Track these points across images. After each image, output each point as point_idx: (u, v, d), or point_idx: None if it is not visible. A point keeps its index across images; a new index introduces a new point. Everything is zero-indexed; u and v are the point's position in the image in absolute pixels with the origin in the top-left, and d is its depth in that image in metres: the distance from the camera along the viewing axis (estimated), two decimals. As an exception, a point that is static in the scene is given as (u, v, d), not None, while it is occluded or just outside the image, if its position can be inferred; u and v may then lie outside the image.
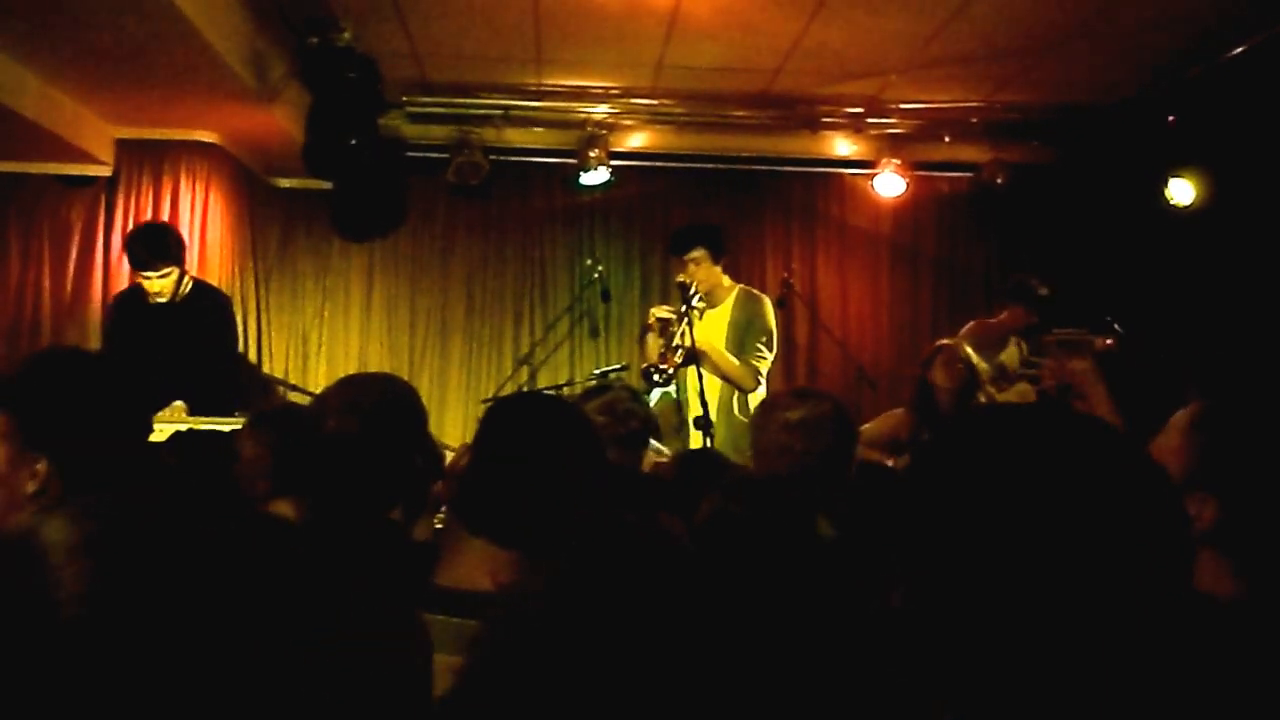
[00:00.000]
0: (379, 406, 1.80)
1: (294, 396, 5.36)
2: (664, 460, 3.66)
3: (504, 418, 1.51)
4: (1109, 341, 5.12)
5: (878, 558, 1.49)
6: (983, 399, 4.11)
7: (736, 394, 4.39)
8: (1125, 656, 0.72)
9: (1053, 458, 0.76)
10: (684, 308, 4.29)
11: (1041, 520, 0.74)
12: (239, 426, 2.83)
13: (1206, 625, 1.13)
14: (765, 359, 4.42)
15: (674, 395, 4.40)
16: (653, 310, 4.46)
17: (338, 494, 1.79)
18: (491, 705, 0.81)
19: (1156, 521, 0.75)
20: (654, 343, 4.28)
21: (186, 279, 4.45)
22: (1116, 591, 0.73)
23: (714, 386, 4.37)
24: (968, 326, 5.08)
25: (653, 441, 3.41)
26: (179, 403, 4.07)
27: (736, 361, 4.36)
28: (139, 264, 4.25)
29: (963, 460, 0.80)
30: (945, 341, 4.46)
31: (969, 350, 4.20)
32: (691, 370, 4.16)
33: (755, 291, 4.67)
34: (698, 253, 4.44)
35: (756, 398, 4.31)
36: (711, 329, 4.43)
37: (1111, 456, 0.76)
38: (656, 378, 4.14)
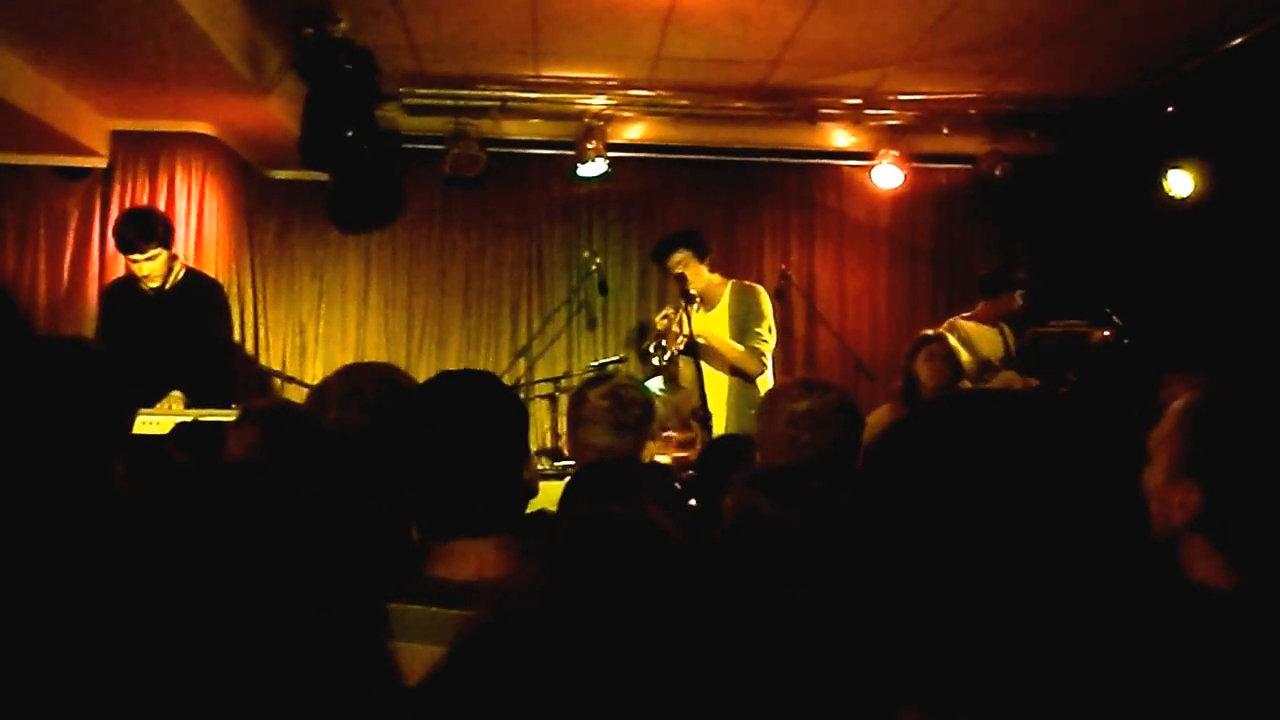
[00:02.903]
0: (382, 397, 1.80)
1: (291, 389, 5.35)
2: (669, 446, 3.68)
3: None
4: (1107, 333, 5.12)
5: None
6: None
7: (743, 389, 4.39)
8: (1102, 645, 0.72)
9: (1012, 442, 0.75)
10: (683, 301, 4.31)
11: (998, 506, 0.72)
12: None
13: (1197, 613, 1.13)
14: (767, 343, 4.43)
15: (668, 394, 4.40)
16: (656, 319, 4.52)
17: (343, 484, 1.78)
18: (469, 696, 0.80)
19: (1116, 508, 0.74)
20: (660, 325, 4.39)
21: (178, 266, 4.44)
22: (1084, 580, 0.72)
23: (716, 382, 4.38)
24: (949, 322, 5.09)
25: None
26: (177, 393, 4.06)
27: (739, 346, 4.36)
28: (125, 246, 4.27)
29: (916, 447, 0.79)
30: (929, 332, 4.47)
31: (954, 343, 4.21)
32: (692, 367, 4.18)
33: (749, 283, 4.69)
34: (681, 255, 4.46)
35: (764, 384, 4.32)
36: (713, 327, 4.44)
37: (1074, 441, 0.75)
38: (655, 360, 4.15)
